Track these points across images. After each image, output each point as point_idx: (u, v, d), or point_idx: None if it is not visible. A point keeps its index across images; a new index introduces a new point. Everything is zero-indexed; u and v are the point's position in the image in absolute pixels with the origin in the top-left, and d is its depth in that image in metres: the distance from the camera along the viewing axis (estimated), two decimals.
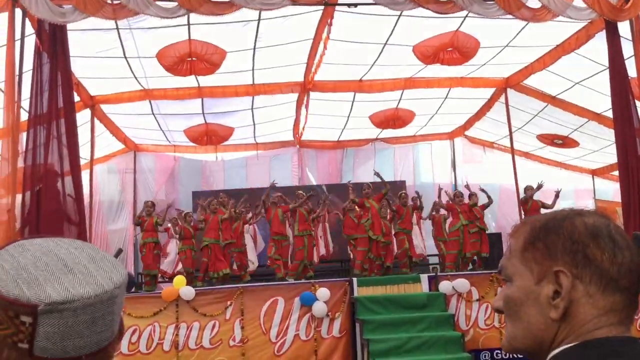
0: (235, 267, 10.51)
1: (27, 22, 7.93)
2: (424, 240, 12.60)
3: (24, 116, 7.98)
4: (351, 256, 11.07)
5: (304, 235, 10.07)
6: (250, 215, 11.49)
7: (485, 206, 10.80)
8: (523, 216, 10.91)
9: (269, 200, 10.53)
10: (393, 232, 10.81)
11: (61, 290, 0.89)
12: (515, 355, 7.64)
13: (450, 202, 11.01)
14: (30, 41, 8.01)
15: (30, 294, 0.87)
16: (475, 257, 10.42)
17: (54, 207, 7.61)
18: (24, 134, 7.78)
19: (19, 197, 7.47)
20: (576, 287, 0.94)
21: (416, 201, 11.47)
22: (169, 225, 11.71)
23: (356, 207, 10.49)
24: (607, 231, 0.95)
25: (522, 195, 11.37)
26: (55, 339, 0.88)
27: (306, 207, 10.46)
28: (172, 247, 12.06)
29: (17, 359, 0.89)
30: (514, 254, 1.01)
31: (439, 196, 11.61)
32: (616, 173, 10.17)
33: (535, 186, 10.99)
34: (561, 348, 0.93)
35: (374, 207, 10.10)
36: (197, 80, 10.87)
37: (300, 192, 10.74)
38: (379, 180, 10.89)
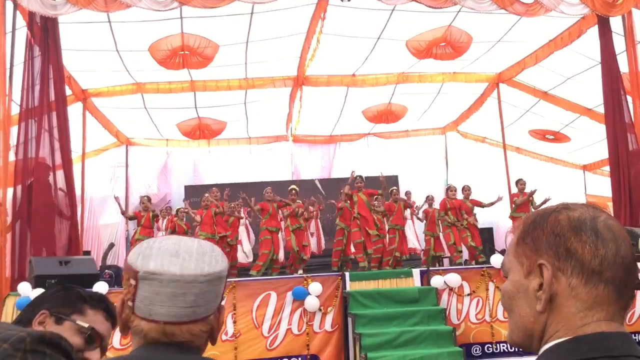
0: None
1: (19, 15, 7.87)
2: (417, 236, 12.63)
3: (15, 109, 7.92)
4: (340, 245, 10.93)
5: (273, 231, 10.00)
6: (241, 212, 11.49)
7: (481, 205, 10.74)
8: (510, 210, 10.92)
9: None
10: (386, 229, 10.78)
11: (159, 265, 1.10)
12: (507, 348, 7.71)
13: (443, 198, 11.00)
14: (22, 34, 7.95)
15: (139, 264, 1.11)
16: (473, 250, 10.37)
17: (45, 201, 7.58)
18: (15, 128, 7.73)
19: (10, 190, 7.44)
20: (559, 279, 0.96)
21: (409, 199, 11.47)
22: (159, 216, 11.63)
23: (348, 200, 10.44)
24: (592, 224, 0.96)
25: (514, 189, 11.40)
26: (146, 302, 1.11)
27: (280, 203, 10.31)
28: None
29: (127, 314, 1.13)
30: (510, 249, 1.05)
31: (430, 201, 11.56)
32: (607, 168, 10.22)
33: (524, 180, 10.95)
34: (553, 342, 0.95)
35: (362, 201, 10.03)
36: (190, 74, 10.83)
37: (293, 187, 10.69)
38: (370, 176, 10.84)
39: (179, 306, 1.10)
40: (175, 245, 1.14)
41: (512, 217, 10.67)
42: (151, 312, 1.10)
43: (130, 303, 1.12)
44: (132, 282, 1.10)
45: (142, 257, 1.11)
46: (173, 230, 10.97)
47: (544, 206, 9.41)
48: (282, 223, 10.53)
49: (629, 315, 7.61)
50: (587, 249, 0.94)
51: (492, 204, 10.69)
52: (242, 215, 11.73)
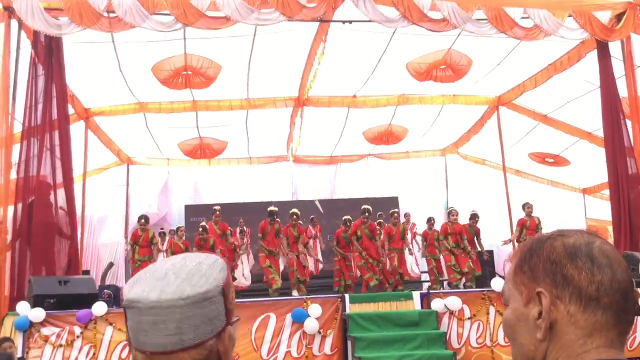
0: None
1: (23, 34, 7.94)
2: (417, 260, 12.59)
3: (18, 127, 7.95)
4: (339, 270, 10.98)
5: (271, 254, 10.05)
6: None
7: (478, 233, 10.76)
8: (515, 232, 10.91)
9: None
10: (387, 251, 10.77)
11: (139, 291, 1.03)
12: None
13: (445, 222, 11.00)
14: (26, 53, 8.02)
15: (126, 291, 1.05)
16: (472, 274, 10.36)
17: (45, 220, 7.57)
18: (17, 146, 7.75)
19: (10, 208, 7.43)
20: (557, 307, 0.96)
21: (408, 221, 11.47)
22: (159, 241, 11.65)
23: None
24: (587, 250, 0.97)
25: (514, 212, 11.39)
26: (132, 332, 1.04)
27: (299, 228, 10.39)
28: None
29: (130, 345, 1.07)
30: (508, 278, 1.05)
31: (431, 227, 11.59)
32: (607, 192, 10.23)
33: (531, 204, 10.92)
34: None
35: (365, 235, 10.09)
36: (192, 94, 10.89)
37: (295, 211, 10.66)
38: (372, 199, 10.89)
39: (162, 335, 1.01)
40: (170, 266, 1.05)
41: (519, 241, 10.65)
42: (138, 342, 1.03)
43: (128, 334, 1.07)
44: (125, 310, 1.05)
45: (131, 284, 1.05)
46: (170, 249, 10.93)
47: (541, 218, 9.34)
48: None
49: (629, 341, 7.57)
50: (584, 275, 0.94)
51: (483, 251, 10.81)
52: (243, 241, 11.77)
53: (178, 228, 11.36)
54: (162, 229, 12.76)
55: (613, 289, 0.94)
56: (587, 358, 0.93)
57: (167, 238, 11.87)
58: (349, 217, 10.89)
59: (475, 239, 10.62)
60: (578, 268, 0.95)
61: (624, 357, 0.95)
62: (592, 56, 9.37)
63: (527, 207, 10.60)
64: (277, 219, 10.20)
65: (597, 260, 0.95)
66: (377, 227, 10.75)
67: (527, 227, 10.40)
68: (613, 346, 0.94)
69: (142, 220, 10.54)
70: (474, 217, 10.69)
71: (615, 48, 9.18)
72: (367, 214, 10.26)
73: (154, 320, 1.01)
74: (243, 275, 11.90)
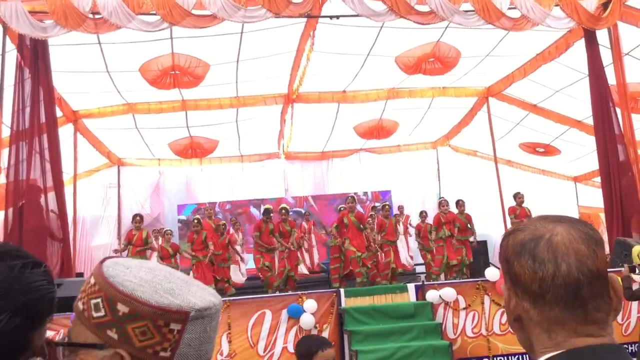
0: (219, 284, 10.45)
1: (8, 38, 7.87)
2: (410, 251, 12.63)
3: (6, 132, 7.90)
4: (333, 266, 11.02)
5: (265, 252, 10.04)
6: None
7: (470, 220, 10.80)
8: (509, 223, 10.96)
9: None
10: (379, 244, 10.79)
11: (200, 298, 0.93)
12: None
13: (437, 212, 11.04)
14: (12, 57, 7.95)
15: (180, 302, 0.90)
16: (460, 266, 10.42)
17: (37, 223, 7.53)
18: (6, 150, 7.70)
19: (1, 213, 7.39)
20: (517, 303, 0.98)
21: (401, 213, 11.52)
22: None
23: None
24: (531, 246, 0.97)
25: (506, 202, 11.43)
26: (196, 344, 0.92)
27: (290, 222, 10.40)
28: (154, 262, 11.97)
29: None
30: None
31: (424, 219, 11.60)
32: (598, 179, 10.28)
33: (523, 194, 10.95)
34: (545, 357, 0.95)
35: (353, 224, 10.05)
36: (181, 94, 10.85)
37: (284, 206, 10.66)
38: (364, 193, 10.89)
39: (214, 338, 0.96)
40: (163, 273, 0.95)
41: None
42: (200, 352, 0.93)
43: (165, 354, 0.90)
44: (175, 326, 0.90)
45: (168, 294, 0.91)
46: (159, 255, 10.85)
47: (531, 209, 9.33)
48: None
49: (624, 326, 7.62)
50: (527, 273, 0.95)
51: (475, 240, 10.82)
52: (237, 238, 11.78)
53: (165, 231, 11.24)
54: (155, 229, 12.72)
55: (555, 284, 0.93)
56: (548, 353, 0.94)
57: (159, 239, 11.83)
58: (343, 205, 10.90)
59: (468, 225, 10.66)
60: (522, 266, 0.96)
61: (594, 342, 0.93)
62: (580, 45, 9.40)
63: (518, 197, 10.67)
64: (272, 218, 10.22)
65: (539, 257, 0.95)
66: (369, 219, 10.75)
67: (517, 215, 10.47)
68: (578, 335, 0.94)
69: (137, 218, 10.49)
70: (460, 203, 10.73)
71: (602, 36, 9.22)
72: (351, 199, 10.26)
73: (216, 324, 0.97)
74: (240, 271, 11.89)
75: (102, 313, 0.90)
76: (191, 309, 0.90)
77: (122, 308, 0.89)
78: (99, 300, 0.90)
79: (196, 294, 0.93)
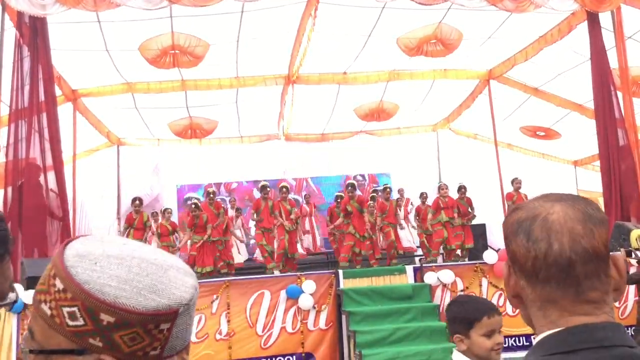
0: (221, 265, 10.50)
1: (7, 16, 7.81)
2: (411, 234, 12.67)
3: (5, 110, 7.87)
4: (334, 247, 11.13)
5: (266, 231, 10.08)
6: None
7: (471, 204, 10.83)
8: (507, 208, 10.99)
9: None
10: (379, 227, 10.82)
11: (183, 288, 0.87)
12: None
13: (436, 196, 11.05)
14: (10, 35, 7.89)
15: (167, 301, 0.84)
16: (459, 250, 10.48)
17: (36, 202, 7.53)
18: (5, 129, 7.68)
19: (0, 192, 7.39)
20: (515, 281, 1.00)
21: (402, 196, 11.55)
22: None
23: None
24: (527, 225, 0.97)
25: (506, 186, 11.45)
26: (183, 334, 0.89)
27: (290, 202, 10.45)
28: (154, 245, 12.02)
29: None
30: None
31: (425, 198, 11.61)
32: (598, 163, 10.28)
33: (520, 179, 10.98)
34: (543, 334, 0.96)
35: (355, 209, 10.10)
36: (181, 73, 10.79)
37: (284, 185, 10.69)
38: (361, 175, 10.91)
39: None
40: (135, 262, 0.86)
41: None
42: (186, 338, 0.91)
43: (155, 352, 0.86)
44: (165, 325, 0.85)
45: (152, 293, 0.84)
46: (157, 231, 10.91)
47: (529, 193, 9.37)
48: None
49: (621, 309, 7.67)
50: (521, 252, 0.96)
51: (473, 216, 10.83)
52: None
53: (165, 210, 11.33)
54: (154, 210, 12.76)
55: (547, 263, 0.94)
56: (545, 331, 0.95)
57: (159, 219, 11.87)
58: (340, 193, 10.94)
59: (469, 209, 10.71)
60: (517, 245, 0.97)
61: (589, 320, 0.93)
62: (583, 28, 9.33)
63: (515, 182, 10.73)
64: (270, 195, 10.25)
65: (533, 236, 0.96)
66: (370, 202, 10.78)
67: (514, 201, 10.51)
68: (572, 314, 0.94)
69: (137, 202, 10.51)
70: (462, 188, 10.78)
71: (605, 19, 9.15)
72: (351, 188, 10.31)
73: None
74: (239, 253, 11.94)
75: (80, 322, 0.81)
76: (179, 305, 0.85)
77: (106, 318, 0.81)
78: (74, 309, 0.81)
79: (177, 282, 0.87)
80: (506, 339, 7.76)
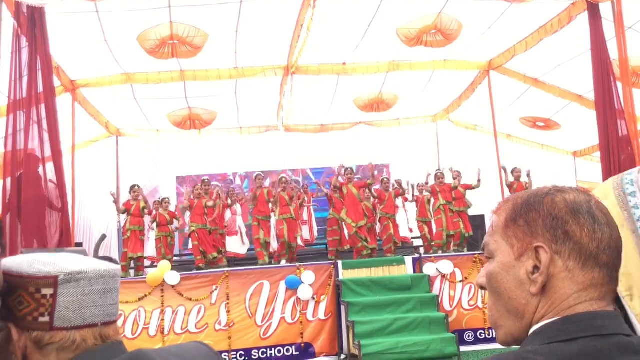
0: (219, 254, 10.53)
1: (4, 6, 7.76)
2: (409, 224, 12.69)
3: (3, 101, 7.84)
4: (330, 239, 11.09)
5: (284, 219, 10.11)
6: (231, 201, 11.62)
7: (471, 187, 10.88)
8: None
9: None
10: (378, 217, 10.85)
11: (75, 264, 1.00)
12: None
13: (433, 183, 11.11)
14: (8, 25, 7.85)
15: (50, 269, 0.97)
16: (460, 238, 10.50)
17: (35, 193, 7.52)
18: (4, 119, 7.66)
19: None
20: (555, 262, 0.96)
21: (399, 188, 11.56)
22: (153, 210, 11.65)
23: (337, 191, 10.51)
24: (588, 207, 0.97)
25: (506, 177, 11.46)
26: (75, 307, 0.98)
27: (289, 192, 10.47)
28: (152, 233, 12.03)
29: (38, 336, 0.97)
30: (496, 230, 1.03)
31: (427, 180, 11.67)
32: (598, 154, 10.27)
33: (520, 169, 11.04)
34: (542, 323, 0.95)
35: (352, 193, 10.10)
36: (179, 64, 10.76)
37: (283, 176, 10.72)
38: (363, 164, 10.94)
39: (109, 304, 1.03)
40: (58, 252, 1.05)
41: None
42: (84, 315, 0.99)
43: (44, 318, 0.96)
44: (47, 291, 0.96)
45: (41, 265, 0.98)
46: (155, 220, 10.93)
47: (530, 182, 9.50)
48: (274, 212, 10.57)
49: None
50: (585, 232, 0.95)
51: (478, 181, 10.88)
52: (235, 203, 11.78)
53: (163, 199, 11.35)
54: (155, 201, 12.76)
55: (611, 247, 0.95)
56: (578, 309, 0.94)
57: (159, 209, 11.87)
58: (341, 177, 10.93)
59: (464, 195, 10.79)
60: (580, 225, 0.95)
61: (612, 309, 0.95)
62: (583, 18, 9.29)
63: (515, 171, 10.77)
64: (263, 184, 10.33)
65: (598, 218, 0.96)
66: (370, 191, 10.81)
67: (515, 189, 10.58)
68: (604, 299, 0.95)
69: (136, 188, 10.56)
70: (456, 176, 10.88)
71: (605, 9, 9.11)
72: (350, 170, 10.36)
73: (103, 289, 1.02)
74: (243, 243, 11.93)
75: None
76: (59, 272, 0.97)
77: (2, 285, 0.96)
78: None
79: (71, 258, 1.01)
80: None
